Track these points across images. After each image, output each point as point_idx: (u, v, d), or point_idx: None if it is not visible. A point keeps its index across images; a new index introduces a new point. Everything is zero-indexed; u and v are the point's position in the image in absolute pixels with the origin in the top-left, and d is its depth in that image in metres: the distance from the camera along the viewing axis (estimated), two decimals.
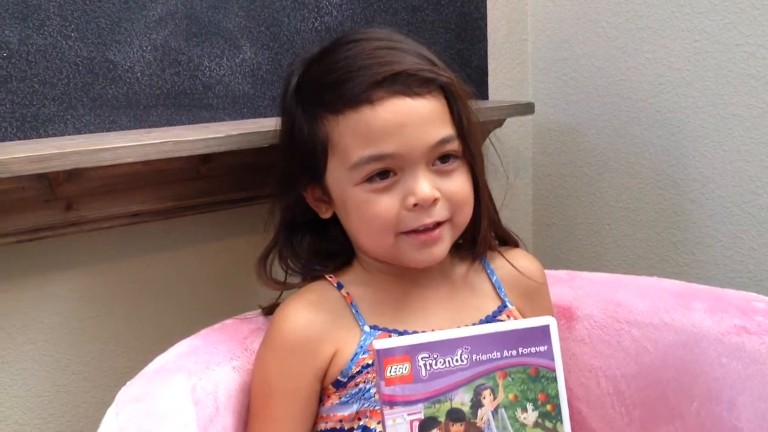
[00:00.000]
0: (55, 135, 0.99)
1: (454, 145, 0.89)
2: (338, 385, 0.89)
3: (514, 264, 0.98)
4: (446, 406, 0.73)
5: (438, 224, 0.88)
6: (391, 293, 0.93)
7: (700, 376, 0.99)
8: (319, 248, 0.97)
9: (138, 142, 0.93)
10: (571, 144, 1.53)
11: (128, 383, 0.83)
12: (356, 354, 0.89)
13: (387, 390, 0.72)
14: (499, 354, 0.75)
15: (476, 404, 0.74)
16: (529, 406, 0.75)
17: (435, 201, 0.86)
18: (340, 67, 0.88)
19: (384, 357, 0.72)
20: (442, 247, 0.89)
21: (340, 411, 0.89)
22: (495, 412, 0.74)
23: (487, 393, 0.74)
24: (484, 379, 0.74)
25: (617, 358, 1.06)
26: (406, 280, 0.93)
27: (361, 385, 0.88)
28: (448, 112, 0.89)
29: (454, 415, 0.73)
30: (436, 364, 0.73)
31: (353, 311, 0.91)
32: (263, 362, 0.91)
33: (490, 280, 0.98)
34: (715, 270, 1.35)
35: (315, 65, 0.92)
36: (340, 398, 0.88)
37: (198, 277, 1.15)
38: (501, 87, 1.52)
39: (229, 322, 0.98)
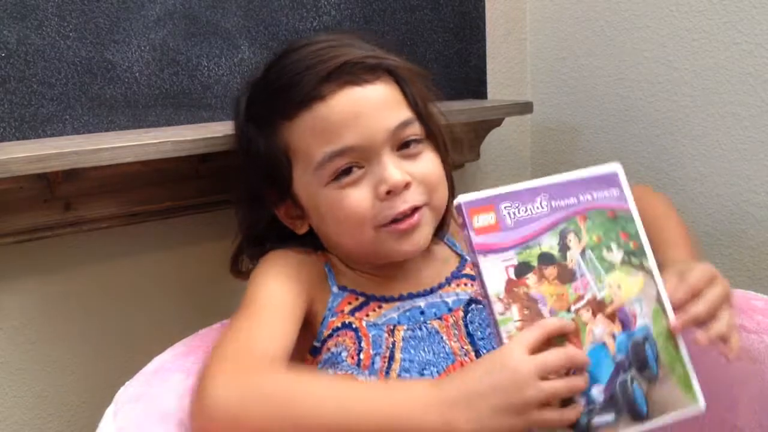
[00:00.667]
0: (53, 135, 0.99)
1: (415, 128, 0.88)
2: (314, 351, 0.89)
3: None
4: (537, 251, 0.75)
5: (415, 209, 0.86)
6: (363, 274, 0.93)
7: (699, 375, 0.99)
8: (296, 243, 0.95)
9: (136, 142, 0.93)
10: (570, 143, 1.53)
11: (127, 383, 0.83)
12: (325, 317, 0.89)
13: (478, 239, 0.73)
14: (575, 200, 0.77)
15: (564, 248, 0.76)
16: (614, 246, 0.77)
17: (407, 185, 0.85)
18: (286, 73, 0.87)
19: (468, 207, 0.74)
20: (423, 233, 0.88)
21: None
22: (583, 253, 0.76)
23: (572, 236, 0.76)
24: (566, 223, 0.76)
25: None
26: (388, 269, 0.93)
27: (333, 350, 0.87)
28: (402, 96, 0.89)
29: (546, 258, 0.75)
30: (519, 212, 0.75)
31: (326, 270, 0.92)
32: (263, 276, 0.88)
33: (447, 244, 0.98)
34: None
35: (260, 81, 0.91)
36: (317, 366, 0.88)
37: (196, 276, 1.15)
38: (499, 86, 1.52)
39: (227, 322, 0.98)
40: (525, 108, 1.40)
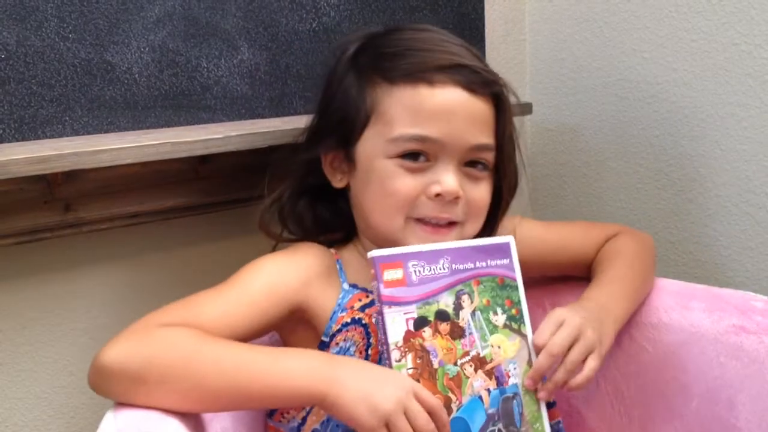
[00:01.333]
0: (53, 136, 0.99)
1: (489, 155, 0.91)
2: (323, 346, 0.89)
3: None
4: (435, 308, 0.84)
5: (450, 224, 0.89)
6: None
7: (698, 376, 0.99)
8: (322, 219, 0.97)
9: (136, 144, 0.93)
10: (569, 144, 1.53)
11: None
12: (335, 312, 0.89)
13: (386, 291, 0.82)
14: (473, 264, 0.87)
15: (458, 307, 0.85)
16: (499, 310, 0.87)
17: (457, 198, 0.88)
18: (406, 44, 0.90)
19: (380, 262, 0.82)
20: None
21: None
22: (473, 313, 0.86)
23: (465, 297, 0.86)
24: (462, 285, 0.86)
25: (616, 357, 1.06)
26: None
27: (341, 344, 0.88)
28: (494, 122, 0.91)
29: (442, 315, 0.84)
30: (423, 271, 0.84)
31: (338, 267, 0.93)
32: (260, 261, 0.90)
33: None
34: (714, 269, 1.35)
35: (378, 38, 0.93)
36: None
37: (196, 277, 1.15)
38: None
39: None
40: (524, 109, 1.40)
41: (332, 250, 0.95)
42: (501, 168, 0.94)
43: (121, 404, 0.77)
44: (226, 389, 0.76)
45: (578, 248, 1.07)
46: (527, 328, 0.88)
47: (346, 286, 0.91)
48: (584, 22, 1.47)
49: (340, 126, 0.91)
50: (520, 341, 0.87)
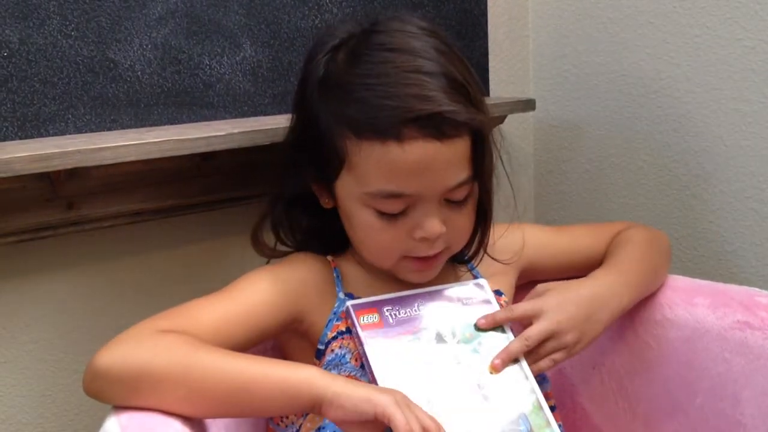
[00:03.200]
0: (56, 134, 0.99)
1: (468, 188, 0.88)
2: (319, 354, 0.89)
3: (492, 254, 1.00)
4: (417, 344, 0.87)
5: (438, 253, 0.90)
6: (378, 280, 0.94)
7: (703, 372, 0.99)
8: (316, 230, 0.96)
9: (139, 141, 0.93)
10: (573, 140, 1.53)
11: None
12: (330, 320, 0.89)
13: (364, 333, 0.85)
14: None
15: (440, 340, 0.88)
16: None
17: (440, 236, 0.87)
18: (371, 86, 0.83)
19: (355, 310, 0.87)
20: (436, 270, 0.92)
21: None
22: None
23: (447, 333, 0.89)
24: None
25: (620, 354, 1.06)
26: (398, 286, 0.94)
27: (337, 351, 0.88)
28: (470, 154, 0.86)
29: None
30: (399, 314, 0.88)
31: (334, 276, 0.92)
32: (257, 272, 0.91)
33: (468, 268, 1.00)
34: (718, 265, 1.35)
35: (343, 63, 0.87)
36: (322, 367, 0.88)
37: (200, 275, 1.15)
38: (502, 83, 1.52)
39: None
40: (527, 105, 1.40)
41: (329, 258, 0.95)
42: (481, 188, 0.91)
43: None
44: (221, 396, 0.76)
45: (591, 245, 1.06)
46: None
47: (341, 295, 0.91)
48: (587, 17, 1.46)
49: (317, 159, 0.89)
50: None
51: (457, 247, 0.92)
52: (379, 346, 0.85)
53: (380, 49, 0.85)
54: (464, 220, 0.90)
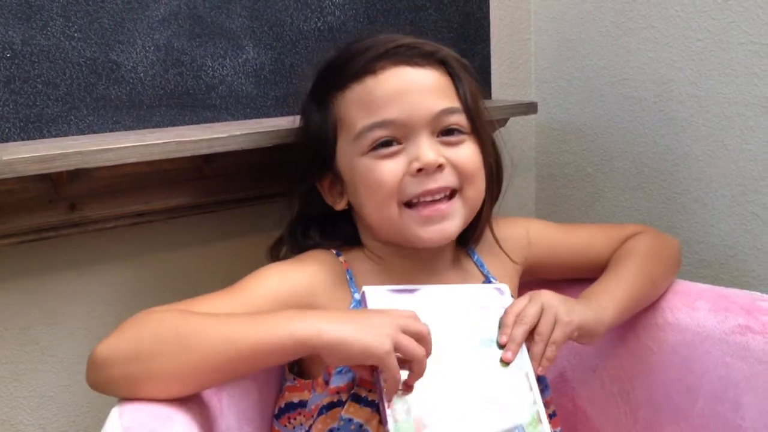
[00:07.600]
0: (58, 135, 0.99)
1: (460, 119, 0.91)
2: None
3: (499, 243, 1.01)
4: None
5: (448, 196, 0.89)
6: (390, 275, 0.93)
7: (704, 376, 0.99)
8: (328, 237, 0.97)
9: (141, 143, 0.93)
10: (574, 143, 1.53)
11: None
12: None
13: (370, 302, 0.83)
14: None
15: None
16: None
17: (440, 167, 0.88)
18: (346, 53, 0.93)
19: (368, 296, 0.84)
20: (451, 223, 0.90)
21: (336, 382, 0.88)
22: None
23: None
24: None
25: (622, 358, 1.06)
26: (413, 266, 0.93)
27: None
28: (452, 87, 0.92)
29: None
30: (411, 305, 0.83)
31: (347, 277, 0.92)
32: (266, 268, 0.91)
33: (471, 258, 1.00)
34: (719, 269, 1.35)
35: (323, 64, 0.96)
36: (336, 368, 0.88)
37: (202, 277, 1.15)
38: (504, 87, 1.52)
39: None
40: (529, 108, 1.40)
41: (341, 259, 0.95)
42: (475, 130, 0.93)
43: (126, 401, 0.77)
44: (218, 352, 0.76)
45: (599, 253, 1.06)
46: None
47: (357, 295, 0.91)
48: (590, 21, 1.46)
49: (318, 151, 0.93)
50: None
51: (470, 191, 0.91)
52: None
53: (353, 40, 0.96)
54: (464, 153, 0.90)
